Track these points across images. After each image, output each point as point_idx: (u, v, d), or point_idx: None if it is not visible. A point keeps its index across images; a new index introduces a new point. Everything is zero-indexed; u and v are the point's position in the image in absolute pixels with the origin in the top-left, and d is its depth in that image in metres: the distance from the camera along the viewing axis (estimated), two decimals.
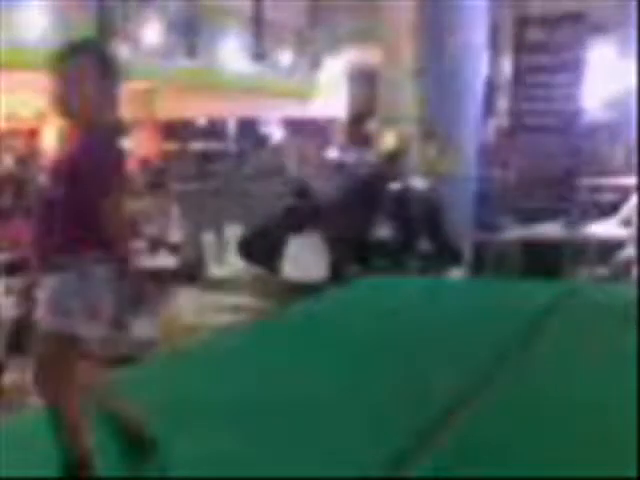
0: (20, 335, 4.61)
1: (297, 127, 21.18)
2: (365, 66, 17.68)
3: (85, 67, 2.56)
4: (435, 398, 3.65)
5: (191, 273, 7.75)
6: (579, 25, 8.93)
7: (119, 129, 2.68)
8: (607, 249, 6.98)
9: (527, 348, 4.60)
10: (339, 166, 14.07)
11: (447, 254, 7.32)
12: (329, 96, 21.11)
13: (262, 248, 7.36)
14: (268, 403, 3.55)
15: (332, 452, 3.00)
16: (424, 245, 7.18)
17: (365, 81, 17.76)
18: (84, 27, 14.93)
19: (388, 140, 8.18)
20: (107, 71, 2.62)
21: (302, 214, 7.32)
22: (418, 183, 7.40)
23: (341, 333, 4.89)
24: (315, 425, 3.32)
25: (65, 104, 2.57)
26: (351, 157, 14.88)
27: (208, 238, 8.60)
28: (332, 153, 18.06)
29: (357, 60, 19.21)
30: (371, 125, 14.73)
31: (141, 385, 3.85)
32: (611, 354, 4.34)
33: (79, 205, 2.47)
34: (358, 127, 18.50)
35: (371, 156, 12.35)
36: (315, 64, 22.10)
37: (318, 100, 21.43)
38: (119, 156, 2.63)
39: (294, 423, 3.33)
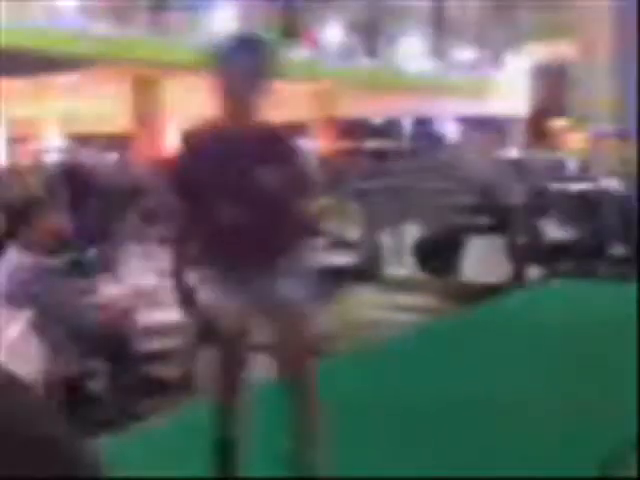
0: None
1: (475, 125, 20.72)
2: (550, 63, 17.00)
3: (256, 66, 2.37)
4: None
5: (368, 272, 7.76)
6: None
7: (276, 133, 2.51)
8: None
9: None
10: (519, 166, 13.61)
11: None
12: (509, 94, 20.51)
13: (440, 249, 7.23)
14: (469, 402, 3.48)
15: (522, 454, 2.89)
16: (617, 249, 6.75)
17: (550, 78, 17.09)
18: (269, 28, 15.45)
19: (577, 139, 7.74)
20: (270, 70, 2.43)
21: (486, 215, 7.12)
22: (612, 184, 6.97)
23: (531, 334, 4.72)
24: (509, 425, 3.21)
25: (235, 106, 2.38)
26: (532, 157, 14.35)
27: (386, 237, 8.58)
28: (511, 152, 17.52)
29: (541, 57, 18.51)
30: (557, 124, 14.16)
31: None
32: None
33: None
34: (540, 126, 17.82)
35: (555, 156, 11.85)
36: (496, 61, 21.56)
37: (498, 98, 20.89)
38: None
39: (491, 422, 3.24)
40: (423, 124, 21.60)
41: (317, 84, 17.44)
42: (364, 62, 18.20)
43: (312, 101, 17.92)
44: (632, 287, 6.56)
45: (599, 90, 8.16)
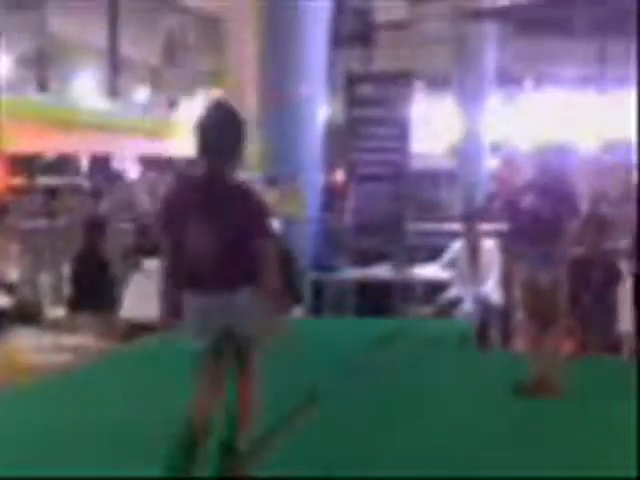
0: None
1: (151, 165, 21.02)
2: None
3: None
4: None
5: (28, 313, 7.58)
6: None
7: None
8: (432, 290, 7.46)
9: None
10: None
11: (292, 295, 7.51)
12: (185, 136, 21.17)
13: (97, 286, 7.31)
14: None
15: None
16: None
17: None
18: None
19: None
20: None
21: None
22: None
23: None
24: None
25: None
26: None
27: (45, 277, 8.42)
28: None
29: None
30: None
31: None
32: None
33: None
34: None
35: None
36: (171, 104, 22.15)
37: (174, 139, 21.44)
38: None
39: None
40: (101, 162, 21.37)
41: None
42: (35, 96, 17.64)
43: None
44: None
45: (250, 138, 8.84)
